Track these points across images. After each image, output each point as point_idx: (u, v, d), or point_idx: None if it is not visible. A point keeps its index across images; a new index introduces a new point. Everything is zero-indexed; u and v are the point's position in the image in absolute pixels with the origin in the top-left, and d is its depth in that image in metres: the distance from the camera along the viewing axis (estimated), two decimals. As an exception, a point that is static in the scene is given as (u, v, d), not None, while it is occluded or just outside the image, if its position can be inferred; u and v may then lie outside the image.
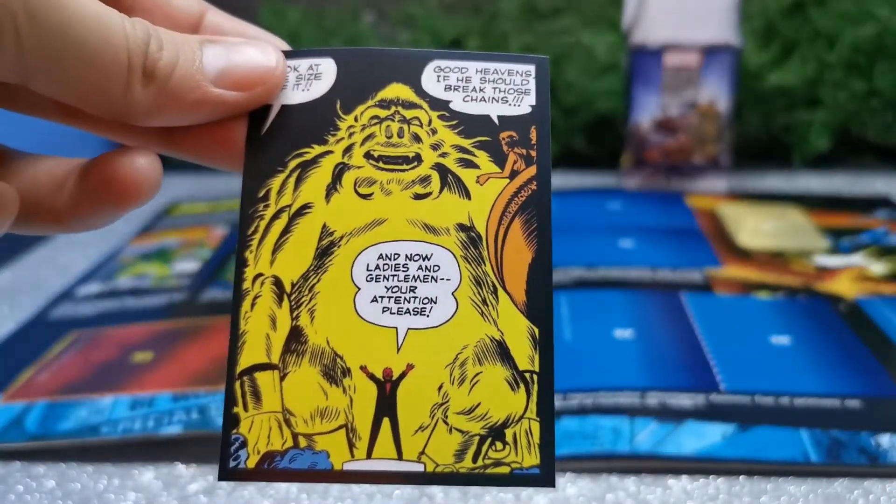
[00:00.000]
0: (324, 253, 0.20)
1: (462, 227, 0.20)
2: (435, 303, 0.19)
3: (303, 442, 0.18)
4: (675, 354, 0.40)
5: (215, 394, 0.37)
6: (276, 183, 0.20)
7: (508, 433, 0.18)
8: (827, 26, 0.66)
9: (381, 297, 0.19)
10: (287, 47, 0.22)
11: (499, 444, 0.18)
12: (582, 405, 0.36)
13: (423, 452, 0.18)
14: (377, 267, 0.19)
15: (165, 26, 0.20)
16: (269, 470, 0.18)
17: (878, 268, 0.49)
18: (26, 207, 0.19)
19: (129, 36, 0.17)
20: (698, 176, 0.64)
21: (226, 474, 0.18)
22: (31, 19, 0.16)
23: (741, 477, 0.32)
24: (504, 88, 0.21)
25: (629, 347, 0.40)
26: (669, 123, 0.62)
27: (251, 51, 0.20)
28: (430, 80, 0.21)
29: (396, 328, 0.19)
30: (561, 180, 0.68)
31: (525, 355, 0.19)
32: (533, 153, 0.20)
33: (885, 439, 0.33)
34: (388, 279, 0.19)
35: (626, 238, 0.54)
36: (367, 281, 0.19)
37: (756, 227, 0.55)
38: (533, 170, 0.20)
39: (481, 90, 0.21)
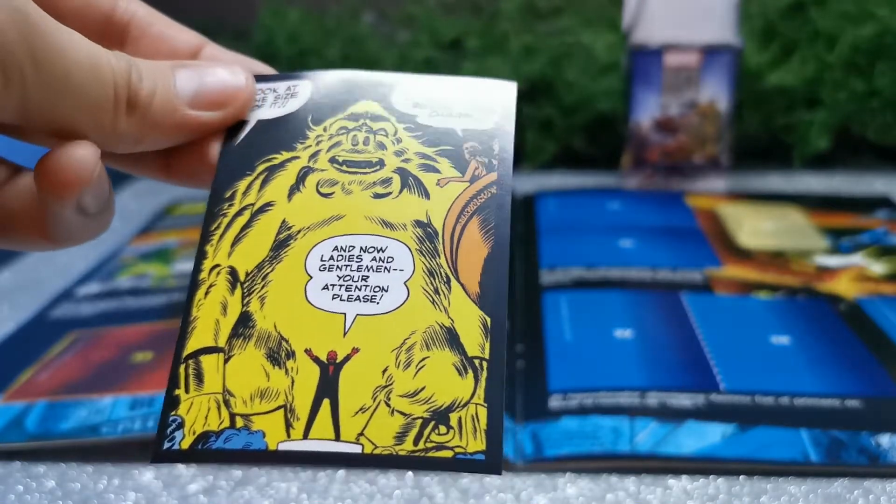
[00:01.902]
0: (280, 245, 0.20)
1: (419, 224, 0.21)
2: (386, 291, 0.20)
3: (239, 422, 0.18)
4: (675, 354, 0.40)
5: (215, 394, 0.37)
6: (242, 185, 0.21)
7: (453, 417, 0.18)
8: (827, 26, 0.65)
9: (333, 286, 0.20)
10: (271, 71, 0.23)
11: (442, 428, 0.18)
12: (582, 405, 0.36)
13: (361, 434, 0.18)
14: (331, 258, 0.20)
15: (168, 58, 0.22)
16: (203, 451, 0.18)
17: (878, 268, 0.49)
18: (16, 221, 0.20)
19: (114, 70, 0.18)
20: (698, 176, 0.64)
21: (158, 456, 0.18)
22: (37, 67, 0.17)
23: (741, 477, 0.32)
24: (470, 107, 0.22)
25: (629, 347, 0.40)
26: (669, 123, 0.62)
27: (221, 72, 0.21)
28: (399, 98, 0.22)
29: (345, 314, 0.19)
30: (561, 180, 0.68)
31: (475, 343, 0.19)
32: (495, 161, 0.21)
33: (885, 439, 0.33)
34: (340, 269, 0.20)
35: (626, 238, 0.54)
36: (321, 270, 0.20)
37: (756, 227, 0.55)
38: (493, 176, 0.21)
39: (448, 107, 0.22)
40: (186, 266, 0.53)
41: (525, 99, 0.69)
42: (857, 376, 0.38)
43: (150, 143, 0.20)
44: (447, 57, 0.72)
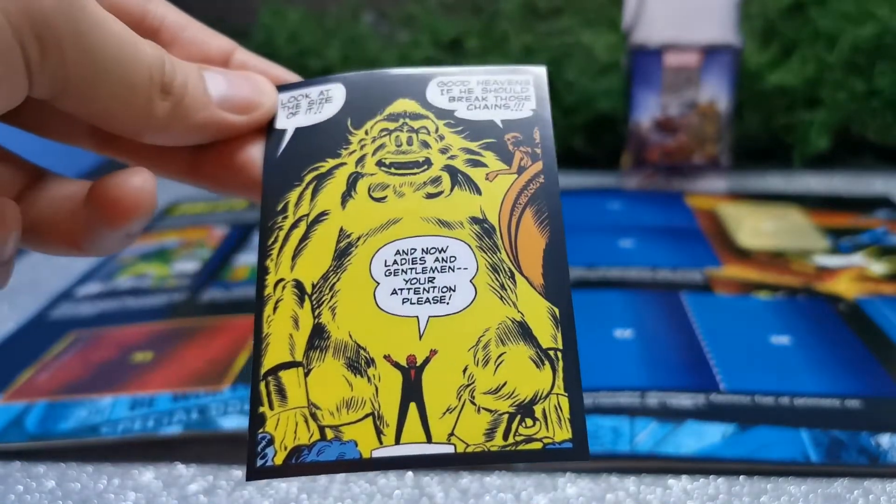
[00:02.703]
0: (342, 254, 0.20)
1: (475, 220, 0.21)
2: (454, 290, 0.20)
3: (330, 434, 0.19)
4: (675, 354, 0.40)
5: (215, 394, 0.37)
6: (293, 196, 0.21)
7: (538, 409, 0.19)
8: (827, 26, 0.65)
9: (401, 290, 0.20)
10: (298, 78, 0.23)
11: (528, 421, 0.18)
12: (582, 405, 0.36)
13: (452, 434, 0.18)
14: (395, 262, 0.20)
15: (200, 62, 0.22)
16: (297, 464, 0.18)
17: (878, 268, 0.49)
18: (47, 228, 0.20)
19: (150, 55, 0.18)
20: (698, 176, 0.64)
21: (253, 473, 0.18)
22: (76, 40, 0.16)
23: (741, 477, 0.32)
24: (505, 96, 0.22)
25: (629, 347, 0.40)
26: (669, 123, 0.62)
27: (244, 80, 0.22)
28: (435, 93, 0.22)
29: (418, 317, 0.19)
30: (561, 180, 0.68)
31: (547, 334, 0.19)
32: (538, 150, 0.22)
33: (885, 439, 0.33)
34: (406, 272, 0.20)
35: (626, 238, 0.54)
36: (386, 276, 0.20)
37: (756, 227, 0.55)
38: (539, 165, 0.21)
39: (483, 99, 0.22)
40: (186, 266, 0.53)
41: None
42: (857, 376, 0.38)
43: (179, 136, 0.20)
44: (447, 57, 0.72)
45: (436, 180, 0.21)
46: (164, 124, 0.19)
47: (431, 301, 0.20)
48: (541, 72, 0.22)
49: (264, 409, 0.19)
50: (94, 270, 0.54)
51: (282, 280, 0.20)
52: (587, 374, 0.38)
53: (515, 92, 0.22)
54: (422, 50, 0.72)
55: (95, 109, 0.18)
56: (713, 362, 0.39)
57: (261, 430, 0.19)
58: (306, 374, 0.19)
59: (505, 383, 0.19)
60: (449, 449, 0.18)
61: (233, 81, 0.21)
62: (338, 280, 0.20)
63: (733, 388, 0.37)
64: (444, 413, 0.18)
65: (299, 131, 0.22)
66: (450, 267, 0.20)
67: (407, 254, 0.20)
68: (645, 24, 0.59)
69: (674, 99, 0.61)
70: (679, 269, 0.49)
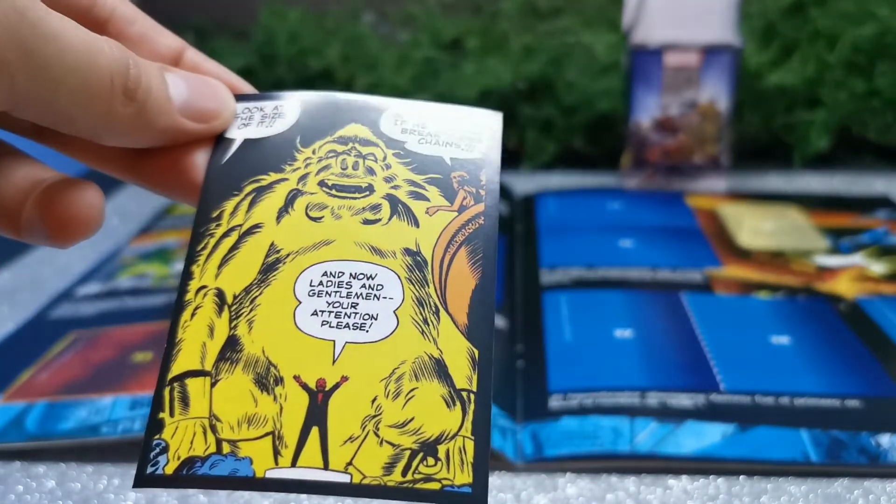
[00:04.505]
0: (269, 269, 0.20)
1: (409, 252, 0.20)
2: (375, 319, 0.19)
3: (226, 448, 0.18)
4: (675, 354, 0.40)
5: (215, 394, 0.37)
6: (230, 205, 0.21)
7: (441, 449, 0.18)
8: (827, 26, 0.65)
9: (322, 312, 0.19)
10: (252, 90, 0.23)
11: (430, 460, 0.18)
12: (582, 405, 0.36)
13: (350, 463, 0.18)
14: (321, 283, 0.20)
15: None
16: (187, 476, 0.18)
17: (878, 268, 0.49)
18: None
19: (110, 59, 0.18)
20: (698, 176, 0.64)
21: (141, 481, 0.18)
22: (25, 57, 0.16)
23: (741, 477, 0.32)
24: (457, 136, 0.22)
25: (629, 347, 0.40)
26: (669, 123, 0.62)
27: (205, 87, 0.21)
28: (388, 123, 0.22)
29: (334, 341, 0.19)
30: (561, 180, 0.68)
31: (463, 375, 0.19)
32: (482, 192, 0.21)
33: (885, 439, 0.33)
34: (329, 295, 0.20)
35: (626, 238, 0.54)
36: (310, 296, 0.20)
37: (756, 227, 0.55)
38: (481, 207, 0.21)
39: (436, 135, 0.22)
40: (186, 266, 0.53)
41: (525, 99, 0.69)
42: (857, 376, 0.38)
43: (138, 140, 0.20)
44: (447, 57, 0.72)
45: (375, 207, 0.21)
46: (125, 129, 0.19)
47: (350, 327, 0.19)
48: (496, 116, 0.23)
49: (164, 415, 0.19)
50: (94, 270, 0.54)
51: (204, 287, 0.20)
52: (587, 374, 0.38)
53: (468, 132, 0.22)
54: (422, 50, 0.72)
55: (53, 118, 0.17)
56: (713, 362, 0.39)
57: (157, 437, 0.18)
58: (213, 385, 0.19)
59: (412, 419, 0.18)
60: (345, 478, 0.18)
61: (193, 87, 0.20)
62: (260, 294, 0.20)
63: (733, 388, 0.37)
64: (346, 441, 0.18)
65: (247, 142, 0.22)
66: (375, 295, 0.20)
67: (334, 276, 0.20)
68: (645, 24, 0.59)
69: (674, 99, 0.61)
70: (679, 269, 0.49)
